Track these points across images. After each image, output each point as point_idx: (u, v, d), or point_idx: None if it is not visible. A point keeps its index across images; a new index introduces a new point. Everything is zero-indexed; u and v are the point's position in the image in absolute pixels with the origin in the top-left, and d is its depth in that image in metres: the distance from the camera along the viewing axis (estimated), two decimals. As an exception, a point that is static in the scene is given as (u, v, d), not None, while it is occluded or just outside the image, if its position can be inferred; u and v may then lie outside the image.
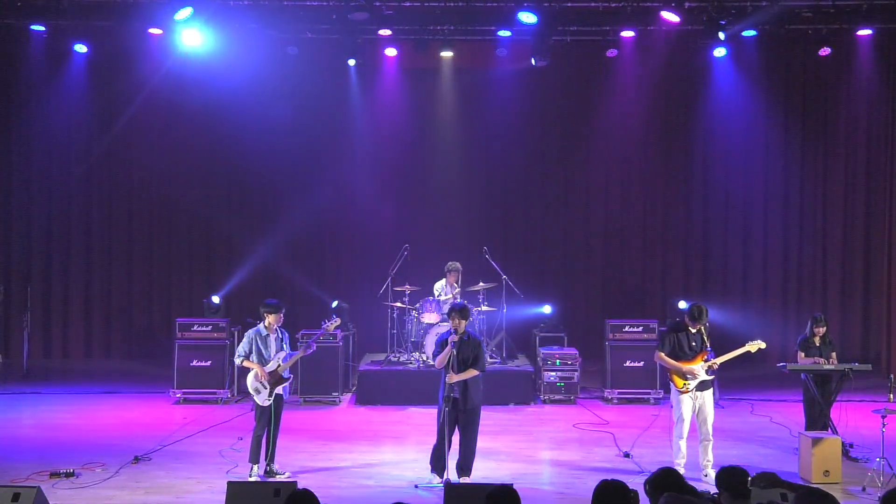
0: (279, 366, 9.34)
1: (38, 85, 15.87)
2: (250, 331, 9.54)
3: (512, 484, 6.20)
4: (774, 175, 16.10)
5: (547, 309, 14.10)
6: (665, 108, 16.05)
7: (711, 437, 9.37)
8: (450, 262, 13.44)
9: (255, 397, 9.36)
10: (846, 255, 15.93)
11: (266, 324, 9.44)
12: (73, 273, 16.20)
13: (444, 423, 8.92)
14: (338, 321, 9.93)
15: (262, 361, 9.34)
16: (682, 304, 14.04)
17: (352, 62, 14.48)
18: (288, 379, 9.49)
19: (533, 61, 14.00)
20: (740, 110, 15.82)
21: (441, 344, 9.15)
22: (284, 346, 9.49)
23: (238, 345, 9.67)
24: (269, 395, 9.27)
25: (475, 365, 9.03)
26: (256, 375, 9.29)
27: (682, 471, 9.24)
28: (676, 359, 9.31)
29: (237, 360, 9.57)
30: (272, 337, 9.45)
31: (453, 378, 8.87)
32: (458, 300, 12.53)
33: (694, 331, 9.35)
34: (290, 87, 15.51)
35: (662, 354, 9.40)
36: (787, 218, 16.08)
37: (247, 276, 16.02)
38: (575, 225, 16.39)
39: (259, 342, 9.40)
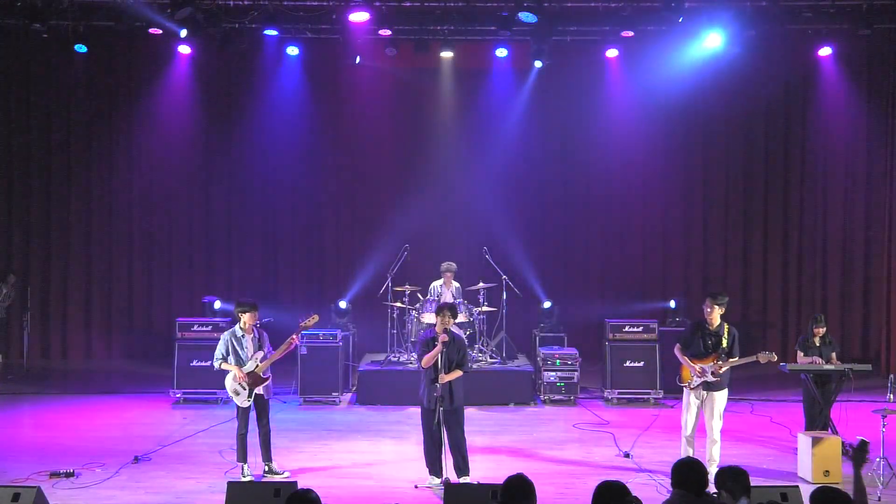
0: (257, 366, 9.23)
1: (37, 85, 15.87)
2: (225, 333, 9.40)
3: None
4: (774, 174, 16.12)
5: (546, 304, 14.11)
6: (665, 107, 16.00)
7: (717, 439, 9.31)
8: (445, 263, 13.44)
9: (234, 399, 9.27)
10: (846, 255, 15.93)
11: (241, 324, 9.29)
12: (73, 273, 16.20)
13: (437, 424, 8.89)
14: (315, 317, 9.57)
15: (239, 363, 9.21)
16: (673, 304, 14.11)
17: (357, 60, 14.49)
18: (267, 378, 9.32)
19: (534, 62, 13.99)
20: (740, 109, 15.84)
21: (425, 343, 9.08)
22: (264, 345, 9.35)
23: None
24: (249, 397, 9.19)
25: (461, 365, 9.05)
26: (234, 377, 9.20)
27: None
28: (692, 356, 9.34)
29: (214, 364, 9.34)
30: (248, 337, 9.29)
31: (444, 379, 8.86)
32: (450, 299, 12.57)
33: (712, 330, 9.32)
34: (289, 87, 15.60)
35: (679, 347, 9.48)
36: (787, 218, 16.09)
37: (247, 275, 16.08)
38: (575, 224, 16.41)
39: (234, 343, 9.26)
